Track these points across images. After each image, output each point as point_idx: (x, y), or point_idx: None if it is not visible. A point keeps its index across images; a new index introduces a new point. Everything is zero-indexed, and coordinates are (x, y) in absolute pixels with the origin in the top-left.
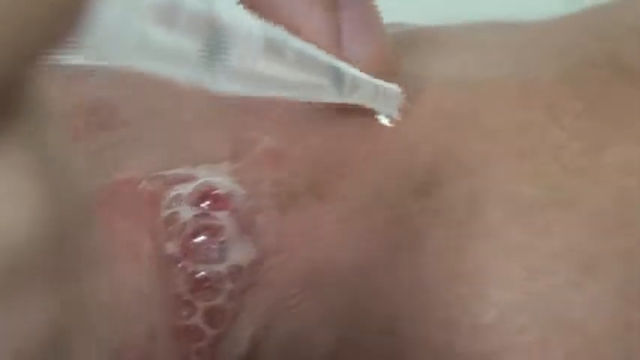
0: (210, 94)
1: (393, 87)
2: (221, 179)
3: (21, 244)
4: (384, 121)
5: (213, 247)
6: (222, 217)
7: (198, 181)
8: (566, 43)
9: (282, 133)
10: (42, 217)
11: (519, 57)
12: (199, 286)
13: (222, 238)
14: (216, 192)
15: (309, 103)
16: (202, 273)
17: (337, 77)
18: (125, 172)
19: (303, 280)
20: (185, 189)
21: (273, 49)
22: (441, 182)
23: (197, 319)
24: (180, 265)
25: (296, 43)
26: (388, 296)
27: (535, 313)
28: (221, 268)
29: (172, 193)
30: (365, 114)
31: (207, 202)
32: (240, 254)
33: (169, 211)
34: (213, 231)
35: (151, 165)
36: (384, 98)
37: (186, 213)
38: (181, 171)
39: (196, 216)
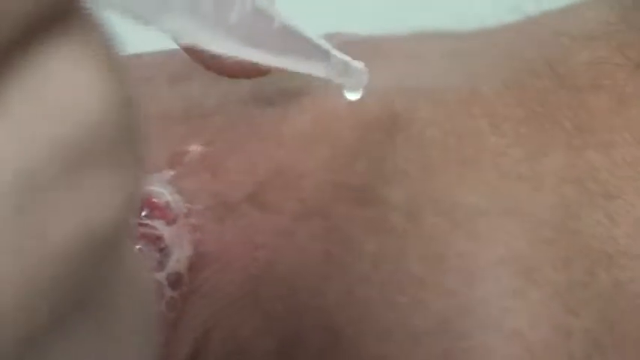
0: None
1: (359, 64)
2: (159, 188)
3: (94, 118)
4: (350, 96)
5: (153, 255)
6: (160, 225)
7: None
8: (509, 51)
9: (220, 142)
10: (113, 95)
11: (462, 66)
12: None
13: (160, 247)
14: (154, 201)
15: (250, 110)
16: None
17: (310, 48)
18: None
19: (241, 288)
20: None
21: (261, 12)
22: (377, 191)
23: None
24: None
25: (278, 12)
26: (325, 307)
27: (476, 320)
28: (160, 276)
29: None
30: (303, 118)
31: (146, 211)
32: (179, 262)
33: None
34: (151, 239)
35: None
36: (350, 74)
37: None
38: None
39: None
